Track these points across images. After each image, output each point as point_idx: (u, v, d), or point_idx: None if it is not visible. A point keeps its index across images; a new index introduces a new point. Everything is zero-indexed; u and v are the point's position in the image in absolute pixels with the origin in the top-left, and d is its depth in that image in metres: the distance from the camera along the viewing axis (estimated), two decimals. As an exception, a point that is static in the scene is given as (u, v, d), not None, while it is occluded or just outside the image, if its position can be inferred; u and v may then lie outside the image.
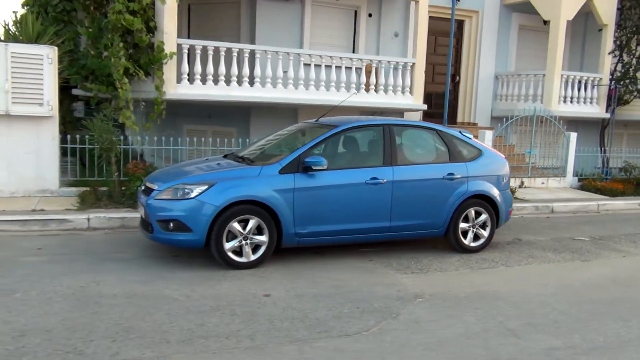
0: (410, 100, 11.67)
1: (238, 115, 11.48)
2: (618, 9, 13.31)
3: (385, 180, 6.06)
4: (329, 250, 6.28)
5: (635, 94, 13.31)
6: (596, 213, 9.88)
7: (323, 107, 11.12)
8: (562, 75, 12.93)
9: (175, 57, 9.39)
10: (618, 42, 13.45)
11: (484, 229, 6.69)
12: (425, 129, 6.74)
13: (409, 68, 11.57)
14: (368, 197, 6.03)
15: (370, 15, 12.61)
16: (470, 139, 6.84)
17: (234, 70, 9.95)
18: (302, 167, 5.74)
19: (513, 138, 12.69)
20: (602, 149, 13.51)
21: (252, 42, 11.27)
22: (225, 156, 6.87)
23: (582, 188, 11.62)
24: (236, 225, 5.49)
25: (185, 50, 9.71)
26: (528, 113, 11.52)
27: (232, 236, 5.50)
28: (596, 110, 13.47)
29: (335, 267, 5.81)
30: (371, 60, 11.33)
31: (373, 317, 4.47)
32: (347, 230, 6.00)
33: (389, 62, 11.53)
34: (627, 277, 5.96)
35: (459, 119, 14.24)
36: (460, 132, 6.90)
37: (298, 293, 4.94)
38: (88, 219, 6.99)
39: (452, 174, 6.44)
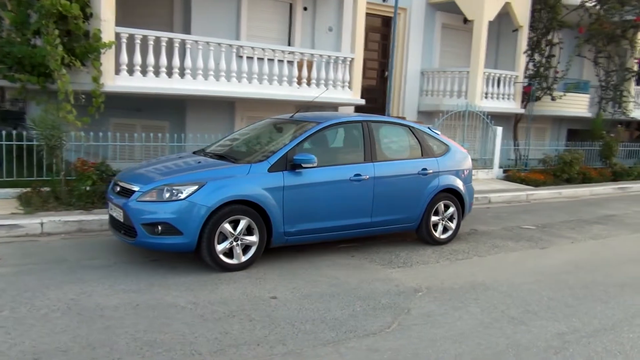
0: (350, 94, 11.83)
1: (170, 108, 10.99)
2: (531, 11, 14.33)
3: (367, 177, 6.12)
4: (308, 248, 6.23)
5: (545, 91, 14.43)
6: (527, 202, 10.63)
7: (261, 101, 11.03)
8: (484, 72, 13.71)
9: (114, 46, 8.81)
10: (531, 43, 14.49)
11: (452, 222, 6.98)
12: (400, 125, 6.89)
13: (348, 63, 11.71)
14: (352, 193, 6.06)
15: (305, 9, 12.59)
16: (438, 134, 7.09)
17: (176, 62, 9.52)
18: (290, 164, 5.65)
19: (442, 132, 13.26)
20: (515, 142, 14.52)
21: (187, 32, 10.85)
22: (194, 153, 6.59)
23: (508, 179, 12.45)
24: (227, 227, 5.29)
25: (124, 40, 9.13)
26: (460, 109, 12.11)
27: (222, 238, 5.30)
28: (513, 105, 14.44)
29: (323, 264, 5.79)
30: (312, 55, 11.33)
31: (387, 313, 4.53)
32: (332, 228, 6.00)
33: (328, 56, 11.56)
34: (586, 261, 6.49)
35: (390, 113, 14.64)
36: (429, 128, 7.13)
37: (303, 294, 4.88)
38: (42, 224, 6.40)
39: (425, 169, 6.64)
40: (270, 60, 10.57)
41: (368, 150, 6.26)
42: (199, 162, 5.89)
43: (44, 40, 7.93)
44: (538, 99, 14.57)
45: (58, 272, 5.08)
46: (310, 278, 5.32)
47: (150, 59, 9.25)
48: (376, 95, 14.18)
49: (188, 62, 9.65)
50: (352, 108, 12.76)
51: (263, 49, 10.51)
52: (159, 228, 5.14)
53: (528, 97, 14.47)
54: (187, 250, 5.26)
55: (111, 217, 5.71)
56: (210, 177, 5.34)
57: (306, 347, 3.82)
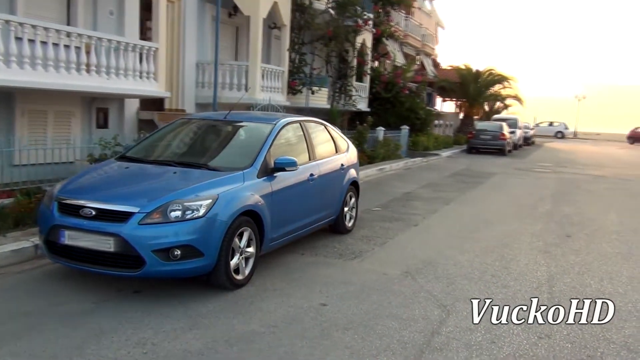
0: (155, 86, 11.07)
1: None
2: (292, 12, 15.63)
3: (316, 176, 6.28)
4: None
5: (305, 85, 16.01)
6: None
7: (47, 92, 9.33)
8: (261, 67, 14.42)
9: None
10: (291, 41, 15.82)
11: (352, 211, 7.62)
12: (320, 124, 7.11)
13: (152, 53, 10.91)
14: (308, 193, 6.13)
15: (85, -13, 11.07)
16: (341, 132, 7.59)
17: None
18: (270, 169, 5.44)
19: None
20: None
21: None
22: (120, 158, 5.62)
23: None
24: (236, 241, 4.85)
25: None
26: (264, 102, 12.57)
27: (232, 253, 4.84)
28: (282, 98, 15.55)
29: (296, 267, 5.74)
30: (111, 41, 10.17)
31: (434, 306, 5.00)
32: (296, 228, 5.98)
33: (127, 43, 10.55)
34: (461, 229, 7.99)
35: (167, 105, 14.02)
36: (334, 126, 7.56)
37: (342, 296, 4.89)
38: None
39: (342, 165, 7.10)
40: (63, 44, 8.95)
41: (311, 150, 6.39)
42: (174, 172, 5.08)
43: None
44: (299, 92, 16.06)
45: (34, 335, 3.82)
46: (313, 280, 5.30)
47: None
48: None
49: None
50: (137, 102, 11.91)
51: (57, 30, 8.87)
52: (178, 252, 4.39)
53: (293, 90, 15.81)
54: (204, 272, 4.63)
55: (72, 247, 4.51)
56: (217, 190, 4.77)
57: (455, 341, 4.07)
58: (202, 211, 4.50)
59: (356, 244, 6.90)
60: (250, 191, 5.05)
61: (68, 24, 10.60)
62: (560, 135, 48.39)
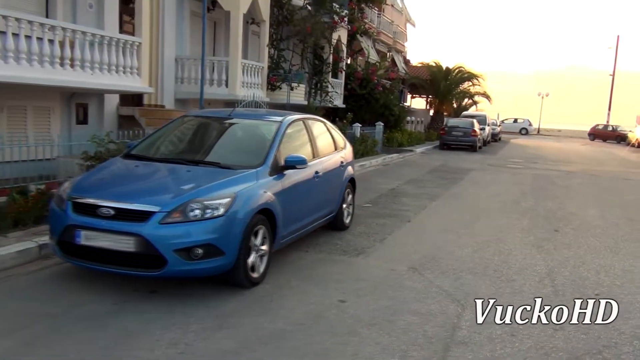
0: (139, 82, 10.89)
1: None
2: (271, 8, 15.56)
3: (320, 173, 6.31)
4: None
5: (285, 81, 15.98)
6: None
7: (26, 87, 9.09)
8: (241, 62, 14.31)
9: None
10: (270, 37, 15.76)
11: (349, 208, 7.68)
12: (320, 121, 7.12)
13: (136, 47, 10.72)
14: (314, 190, 6.16)
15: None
16: (337, 130, 7.62)
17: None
18: (280, 167, 5.44)
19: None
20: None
21: None
22: (127, 156, 5.53)
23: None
24: (253, 239, 4.85)
25: None
26: (248, 99, 12.49)
27: (249, 251, 4.83)
28: (261, 94, 15.46)
29: (304, 264, 5.76)
30: (94, 35, 9.95)
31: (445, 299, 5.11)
32: (303, 226, 5.99)
33: (110, 37, 10.35)
34: (453, 225, 8.14)
35: (145, 101, 13.79)
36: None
37: (358, 293, 4.95)
38: None
39: (342, 162, 7.15)
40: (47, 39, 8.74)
41: (314, 147, 6.41)
42: (189, 171, 5.03)
43: None
44: (279, 88, 16.03)
45: (64, 337, 3.77)
46: (327, 278, 5.34)
47: None
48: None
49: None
50: (117, 97, 11.68)
51: (41, 24, 8.66)
52: (199, 251, 4.36)
53: (272, 86, 15.76)
54: (224, 271, 4.61)
55: (89, 248, 4.43)
56: (234, 188, 4.75)
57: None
58: (221, 210, 4.48)
59: (356, 240, 6.96)
60: (264, 189, 5.05)
61: (47, 17, 10.33)
62: (524, 131, 49.61)
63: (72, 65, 9.33)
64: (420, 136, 25.92)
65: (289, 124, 6.04)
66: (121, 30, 12.57)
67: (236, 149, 5.73)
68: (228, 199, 4.57)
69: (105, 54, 10.08)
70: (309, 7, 16.80)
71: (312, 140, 6.43)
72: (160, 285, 4.78)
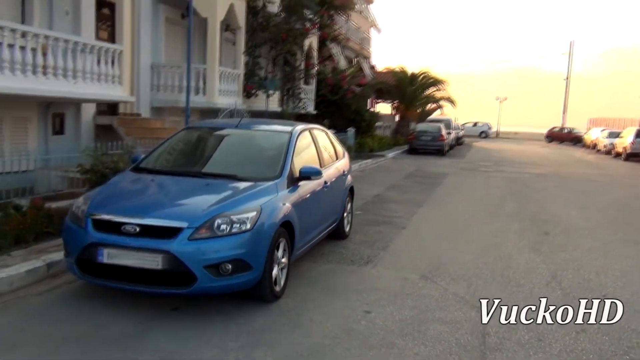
0: (120, 90, 10.65)
1: None
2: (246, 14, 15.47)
3: (329, 183, 6.30)
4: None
5: (261, 89, 15.89)
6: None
7: (7, 97, 8.79)
8: (218, 69, 14.16)
9: None
10: (246, 43, 15.67)
11: (349, 216, 7.69)
12: (322, 131, 7.10)
13: (117, 55, 10.48)
14: (323, 200, 6.15)
15: (41, -14, 10.45)
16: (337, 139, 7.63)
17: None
18: (296, 178, 5.41)
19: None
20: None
21: None
22: (136, 170, 5.40)
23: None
24: (276, 252, 4.81)
25: None
26: (230, 107, 12.36)
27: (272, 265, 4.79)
28: (238, 101, 15.33)
29: (316, 275, 5.74)
30: (76, 43, 9.68)
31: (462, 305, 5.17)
32: (314, 236, 5.98)
33: (92, 45, 10.09)
34: (447, 231, 8.26)
35: (121, 109, 13.46)
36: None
37: (380, 303, 4.96)
38: None
39: (344, 171, 7.17)
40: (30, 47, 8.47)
41: (320, 157, 6.40)
42: (207, 185, 4.94)
43: None
44: (255, 95, 15.93)
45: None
46: (347, 289, 5.34)
47: None
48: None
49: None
50: (93, 106, 11.39)
51: (24, 32, 8.38)
52: (229, 267, 4.29)
53: (248, 94, 15.65)
54: (251, 286, 4.54)
55: (113, 266, 4.29)
56: (258, 201, 4.69)
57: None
58: (249, 224, 4.42)
59: (359, 249, 6.98)
60: (284, 201, 5.02)
61: (23, 24, 9.98)
62: (484, 135, 50.76)
63: (54, 75, 9.03)
64: (389, 141, 26.19)
65: (299, 134, 6.01)
66: (96, 37, 12.30)
67: (249, 161, 5.65)
68: (254, 213, 4.51)
69: (88, 62, 9.82)
70: (282, 14, 16.77)
71: (318, 150, 6.42)
72: (181, 303, 4.67)
